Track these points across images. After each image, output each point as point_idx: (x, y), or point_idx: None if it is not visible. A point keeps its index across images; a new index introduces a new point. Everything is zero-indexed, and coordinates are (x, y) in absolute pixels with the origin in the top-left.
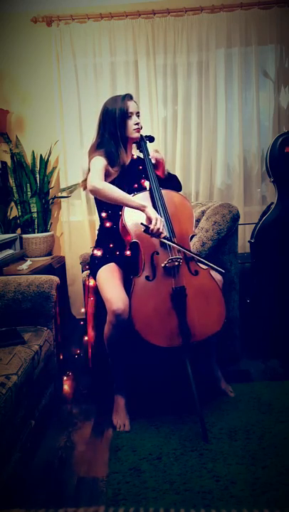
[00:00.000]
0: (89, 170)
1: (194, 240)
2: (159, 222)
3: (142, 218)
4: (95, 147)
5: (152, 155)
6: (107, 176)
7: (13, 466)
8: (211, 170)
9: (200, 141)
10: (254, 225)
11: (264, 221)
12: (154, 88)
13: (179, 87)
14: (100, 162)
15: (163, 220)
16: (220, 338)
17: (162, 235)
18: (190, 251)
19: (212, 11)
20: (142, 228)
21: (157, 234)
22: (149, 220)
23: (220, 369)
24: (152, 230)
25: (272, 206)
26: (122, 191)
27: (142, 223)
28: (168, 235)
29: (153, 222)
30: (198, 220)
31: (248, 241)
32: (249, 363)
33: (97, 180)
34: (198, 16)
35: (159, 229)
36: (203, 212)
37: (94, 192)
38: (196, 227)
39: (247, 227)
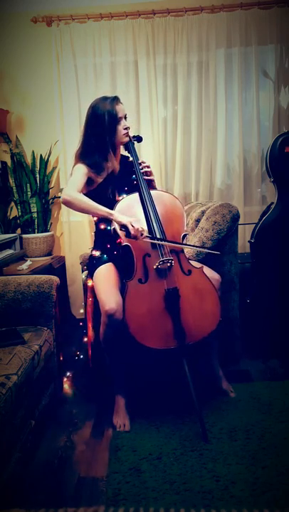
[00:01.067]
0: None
1: (194, 239)
2: (135, 224)
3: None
4: (79, 155)
5: (144, 169)
6: (92, 181)
7: (13, 466)
8: (211, 170)
9: (200, 141)
10: (254, 225)
11: (264, 221)
12: (154, 88)
13: (179, 87)
14: (79, 171)
15: (135, 219)
16: (220, 338)
17: (144, 235)
18: (179, 243)
19: (212, 11)
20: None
21: (139, 235)
22: (122, 226)
23: (221, 369)
24: (132, 234)
25: (272, 206)
26: (91, 201)
27: (120, 229)
28: (152, 235)
29: (129, 228)
30: (198, 220)
31: (248, 241)
32: (249, 363)
33: (69, 192)
34: (198, 16)
35: (137, 230)
36: (203, 212)
37: (65, 203)
38: (196, 227)
39: (247, 227)
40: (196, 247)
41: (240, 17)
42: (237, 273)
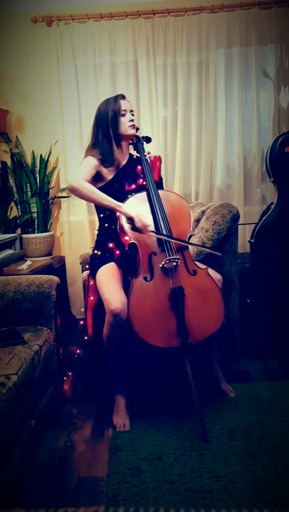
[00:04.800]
0: None
1: (194, 239)
2: (142, 218)
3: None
4: (90, 147)
5: (148, 156)
6: (101, 177)
7: (13, 466)
8: (211, 170)
9: (200, 141)
10: (254, 225)
11: (264, 221)
12: (154, 88)
13: (179, 87)
14: (89, 163)
15: (142, 213)
16: (220, 338)
17: (149, 229)
18: (185, 241)
19: (212, 11)
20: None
21: (144, 229)
22: (130, 219)
23: (220, 369)
24: (139, 227)
25: (272, 206)
26: (99, 191)
27: (127, 222)
28: (156, 230)
29: (136, 220)
30: (198, 220)
31: (248, 241)
32: (249, 363)
33: (77, 180)
34: (198, 16)
35: (143, 224)
36: (203, 212)
37: (71, 190)
38: (196, 227)
39: (247, 227)
40: (201, 246)
41: (240, 17)
42: (237, 273)
